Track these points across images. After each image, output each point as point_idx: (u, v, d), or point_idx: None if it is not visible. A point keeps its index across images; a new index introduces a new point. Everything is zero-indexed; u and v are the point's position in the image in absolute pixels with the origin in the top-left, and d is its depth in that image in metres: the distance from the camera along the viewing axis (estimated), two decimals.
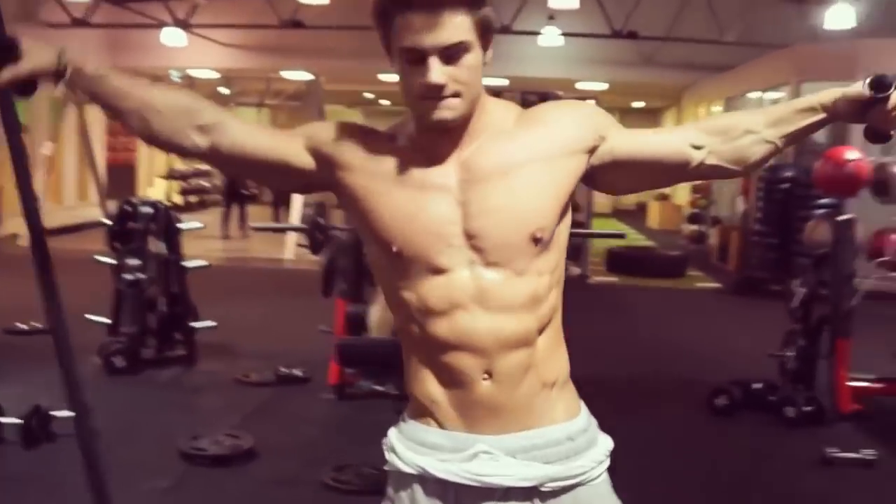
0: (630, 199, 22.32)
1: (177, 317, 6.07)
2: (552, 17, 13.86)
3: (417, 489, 1.55)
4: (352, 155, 1.56)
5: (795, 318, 5.86)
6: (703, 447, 4.73)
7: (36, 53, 1.51)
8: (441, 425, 1.54)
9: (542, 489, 1.51)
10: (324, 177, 1.59)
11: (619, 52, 14.96)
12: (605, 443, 1.62)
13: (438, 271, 1.50)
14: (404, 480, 1.58)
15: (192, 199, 19.89)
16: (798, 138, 1.61)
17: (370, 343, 4.59)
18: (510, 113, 1.58)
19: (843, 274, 5.56)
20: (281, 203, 15.07)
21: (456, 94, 1.45)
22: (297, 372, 5.83)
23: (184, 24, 12.82)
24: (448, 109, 1.46)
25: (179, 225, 6.22)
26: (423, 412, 1.57)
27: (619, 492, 1.62)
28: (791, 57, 12.13)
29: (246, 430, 4.61)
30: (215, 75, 17.04)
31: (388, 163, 1.54)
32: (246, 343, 6.66)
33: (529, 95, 9.39)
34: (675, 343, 7.48)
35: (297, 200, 13.01)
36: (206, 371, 6.01)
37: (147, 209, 6.02)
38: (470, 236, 1.49)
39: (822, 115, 1.57)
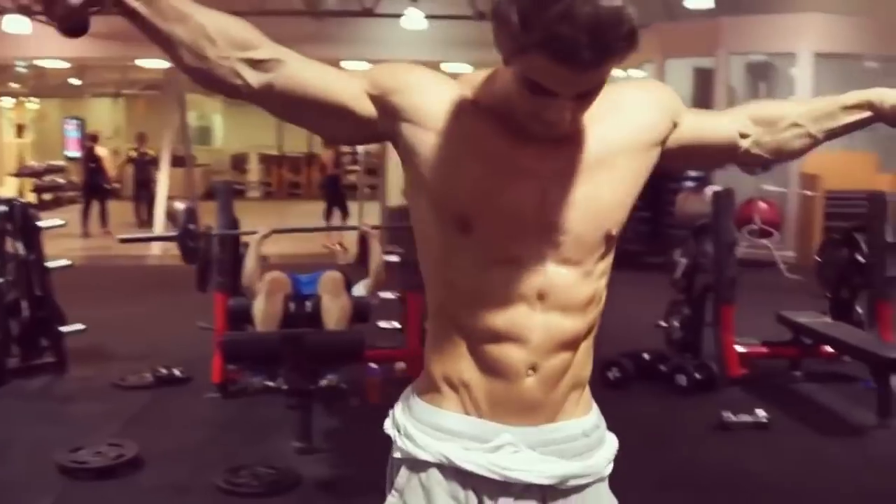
0: None
1: (42, 321, 5.63)
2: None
3: (434, 474, 1.43)
4: (425, 108, 1.37)
5: (679, 289, 5.95)
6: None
7: None
8: (465, 411, 1.42)
9: (560, 487, 1.43)
10: (386, 128, 1.41)
11: (485, 32, 14.87)
12: (613, 441, 1.56)
13: (509, 260, 1.37)
14: (420, 469, 1.45)
15: (47, 196, 18.87)
16: (839, 134, 1.61)
17: (257, 337, 4.35)
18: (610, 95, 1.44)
19: (725, 243, 5.65)
20: (142, 198, 14.47)
21: (573, 122, 1.33)
22: (177, 372, 5.52)
23: (27, 11, 12.08)
24: (562, 129, 1.33)
25: (39, 223, 5.79)
26: (444, 395, 1.44)
27: None
28: (654, 35, 12.38)
29: (129, 437, 4.30)
30: (65, 65, 16.21)
31: (470, 127, 1.36)
32: (119, 345, 6.28)
33: None
34: None
35: (161, 195, 12.52)
36: (78, 377, 5.60)
37: (1, 207, 5.58)
38: (549, 228, 1.37)
39: (867, 114, 1.57)
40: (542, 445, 1.41)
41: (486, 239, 1.36)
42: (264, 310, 4.44)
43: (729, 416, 4.66)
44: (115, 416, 4.82)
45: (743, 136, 1.57)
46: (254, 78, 1.34)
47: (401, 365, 5.40)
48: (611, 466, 1.52)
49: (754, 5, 10.91)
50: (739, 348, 5.54)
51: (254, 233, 4.88)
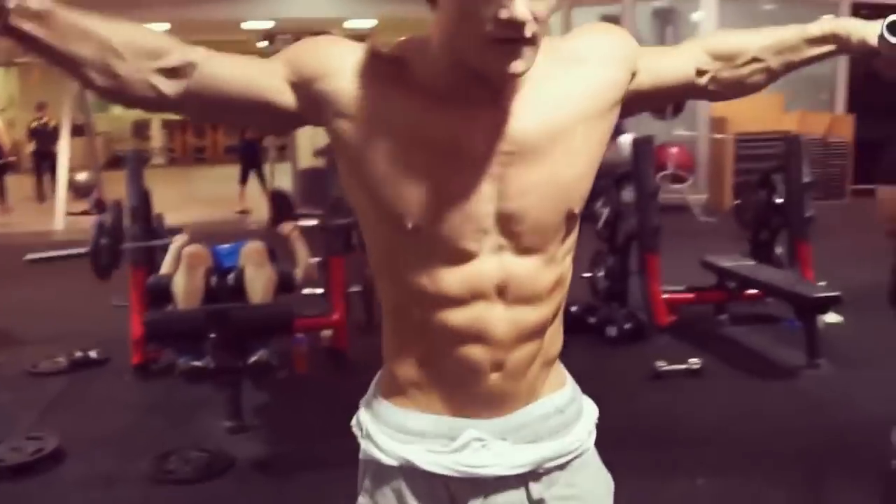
0: None
1: None
2: None
3: (404, 488, 1.34)
4: (352, 95, 1.22)
5: (603, 238, 5.94)
6: None
7: None
8: (429, 410, 1.32)
9: (538, 471, 1.34)
10: (315, 118, 1.26)
11: None
12: (592, 410, 1.46)
13: (464, 257, 1.25)
14: (386, 473, 1.35)
15: None
16: (798, 67, 1.51)
17: (182, 315, 4.16)
18: (558, 50, 1.29)
19: (647, 191, 5.64)
20: (44, 170, 13.87)
21: (532, 40, 1.13)
22: (93, 354, 5.28)
23: None
24: (524, 60, 1.14)
25: None
26: (407, 395, 1.34)
27: None
28: None
29: (47, 428, 4.08)
30: None
31: (406, 112, 1.21)
32: (28, 329, 5.99)
33: None
34: None
35: (63, 166, 12.01)
36: None
37: None
38: (505, 219, 1.24)
39: (831, 47, 1.48)
40: (514, 432, 1.32)
41: (435, 235, 1.24)
42: (185, 285, 4.24)
43: (661, 364, 4.68)
44: (30, 405, 4.57)
45: (700, 72, 1.45)
46: (169, 88, 1.20)
47: (327, 333, 5.28)
48: (593, 436, 1.43)
49: None
50: (666, 296, 5.57)
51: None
